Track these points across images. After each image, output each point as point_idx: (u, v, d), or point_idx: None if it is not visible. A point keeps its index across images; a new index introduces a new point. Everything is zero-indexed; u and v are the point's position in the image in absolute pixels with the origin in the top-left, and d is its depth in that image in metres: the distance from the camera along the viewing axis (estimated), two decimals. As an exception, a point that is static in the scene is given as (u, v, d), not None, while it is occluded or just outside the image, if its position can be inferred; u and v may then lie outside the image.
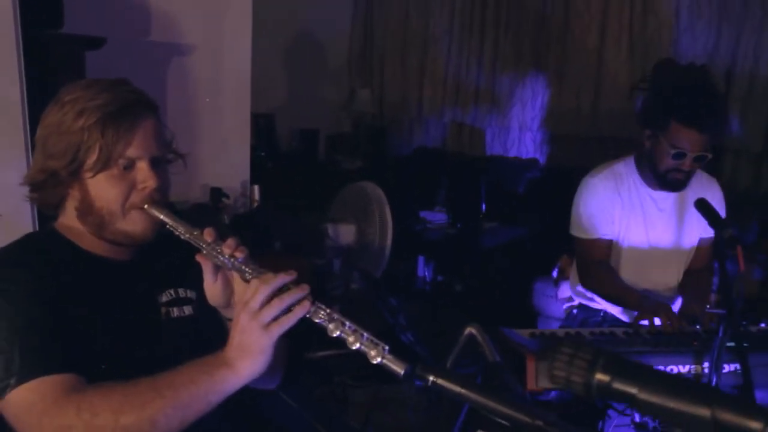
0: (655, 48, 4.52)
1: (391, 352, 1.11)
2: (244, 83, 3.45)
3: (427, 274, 4.47)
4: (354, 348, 1.12)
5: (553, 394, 2.33)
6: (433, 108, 5.74)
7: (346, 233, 3.42)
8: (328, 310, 1.16)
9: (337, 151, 5.70)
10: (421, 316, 3.83)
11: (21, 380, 1.16)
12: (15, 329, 1.20)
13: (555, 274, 3.31)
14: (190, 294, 1.46)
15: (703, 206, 2.04)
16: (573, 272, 2.71)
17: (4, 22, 2.15)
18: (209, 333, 1.41)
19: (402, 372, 1.09)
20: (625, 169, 2.46)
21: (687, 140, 2.25)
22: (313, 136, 5.57)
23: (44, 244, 1.36)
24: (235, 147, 3.48)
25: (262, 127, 4.92)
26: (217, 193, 3.18)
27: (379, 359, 1.10)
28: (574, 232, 2.52)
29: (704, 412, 0.65)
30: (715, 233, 1.93)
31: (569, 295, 2.81)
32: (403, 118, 5.96)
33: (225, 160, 3.41)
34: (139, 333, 1.36)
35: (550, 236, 4.07)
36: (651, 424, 1.99)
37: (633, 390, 0.70)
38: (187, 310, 1.45)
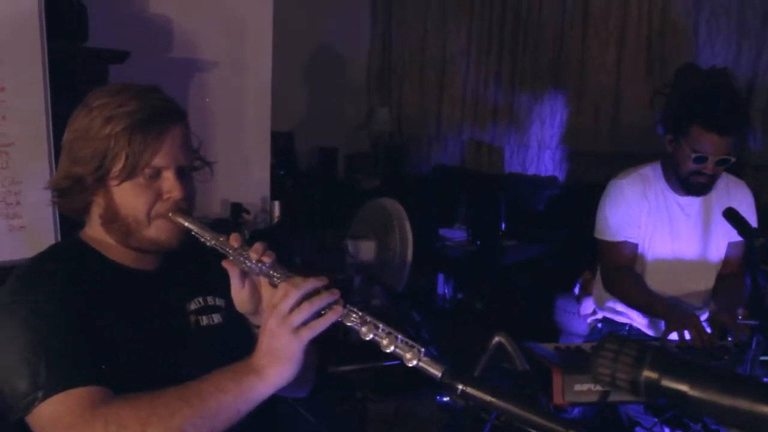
0: (673, 64, 4.48)
1: (427, 354, 1.07)
2: (264, 99, 3.47)
3: (446, 291, 4.43)
4: (389, 351, 1.09)
5: (576, 411, 2.29)
6: (451, 126, 5.73)
7: (366, 249, 3.40)
8: (360, 313, 1.12)
9: (355, 170, 5.69)
10: (442, 334, 3.79)
11: (48, 394, 1.14)
12: (42, 342, 1.18)
13: (577, 290, 3.27)
14: (219, 302, 1.44)
15: (731, 216, 2.01)
16: (596, 286, 2.67)
17: (30, 34, 2.17)
18: (239, 341, 1.38)
19: (440, 375, 1.06)
20: (653, 174, 2.43)
21: (708, 144, 2.22)
22: (332, 154, 5.57)
23: (70, 255, 1.34)
24: (255, 163, 3.48)
25: (281, 145, 4.93)
26: (237, 208, 3.18)
27: (415, 362, 1.07)
28: (599, 235, 2.48)
29: (764, 409, 0.61)
30: (746, 243, 1.89)
31: (592, 310, 2.76)
32: (421, 136, 5.96)
33: (245, 175, 3.41)
34: (167, 342, 1.34)
35: (570, 253, 4.04)
36: (682, 441, 1.93)
37: (684, 387, 0.67)
38: (216, 318, 1.43)
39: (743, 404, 0.64)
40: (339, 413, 2.81)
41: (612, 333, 0.74)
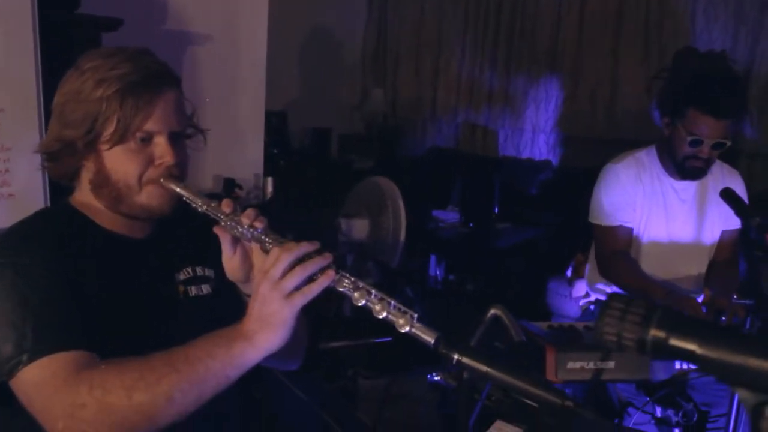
0: (670, 50, 4.46)
1: (420, 320, 1.06)
2: (259, 75, 3.43)
3: (438, 272, 4.43)
4: (381, 317, 1.07)
5: (568, 390, 2.29)
6: (446, 109, 5.70)
7: (359, 228, 3.38)
8: (352, 279, 1.10)
9: (349, 150, 5.67)
10: (434, 315, 3.79)
11: (33, 357, 1.12)
12: (28, 305, 1.16)
13: (569, 273, 3.26)
14: (209, 273, 1.42)
15: (728, 195, 2.00)
16: (590, 268, 2.66)
17: (21, 1, 2.13)
18: (227, 312, 1.34)
19: (432, 341, 1.04)
20: (647, 158, 2.43)
21: (704, 127, 2.22)
22: (326, 135, 5.55)
23: (59, 219, 1.31)
24: (249, 139, 3.45)
25: (274, 124, 4.89)
26: (230, 183, 3.15)
27: (407, 328, 1.05)
28: (594, 219, 2.47)
29: (773, 365, 0.60)
30: (742, 222, 1.88)
31: (584, 292, 2.76)
32: (416, 118, 5.93)
33: (239, 151, 3.38)
34: (155, 310, 1.32)
35: (563, 237, 4.04)
36: (674, 419, 1.94)
37: (692, 346, 0.66)
38: (205, 288, 1.41)
39: (753, 362, 0.62)
40: (330, 390, 2.80)
41: (617, 293, 0.73)
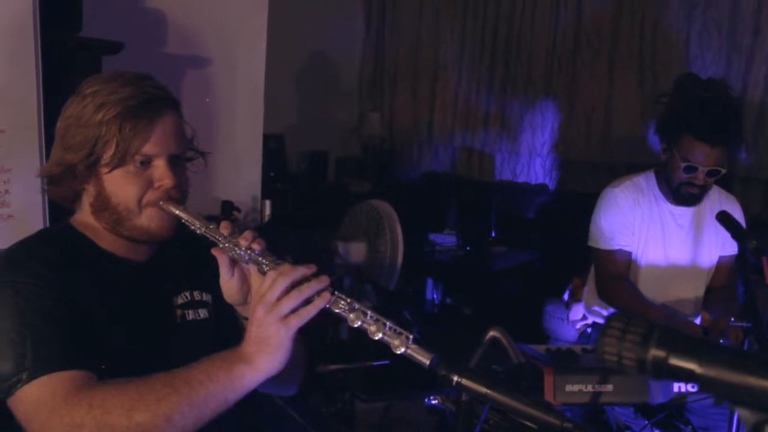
0: (664, 75, 4.52)
1: (415, 341, 1.06)
2: (257, 98, 3.45)
3: (435, 296, 4.42)
4: (376, 338, 1.07)
5: (566, 414, 2.27)
6: (442, 132, 5.72)
7: (356, 251, 3.38)
8: (348, 300, 1.11)
9: (346, 174, 5.68)
10: (430, 338, 3.77)
11: (33, 376, 1.13)
12: (28, 324, 1.16)
13: (566, 296, 3.26)
14: (206, 297, 1.43)
15: (725, 218, 2.01)
16: (588, 291, 2.67)
17: (24, 23, 2.16)
18: (225, 337, 1.37)
19: (428, 362, 1.04)
20: (646, 183, 2.44)
21: (699, 154, 2.23)
22: (323, 158, 5.56)
23: (59, 239, 1.32)
24: (247, 161, 3.46)
25: (271, 148, 4.90)
26: (228, 206, 3.15)
27: (403, 349, 1.05)
28: (594, 243, 2.48)
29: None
30: (739, 245, 1.90)
31: (581, 316, 2.76)
32: (412, 142, 5.95)
33: (237, 174, 3.39)
34: (153, 334, 1.33)
35: (559, 260, 4.04)
36: (673, 440, 1.93)
37: (692, 365, 0.66)
38: (203, 313, 1.42)
39: (752, 381, 0.63)
40: (327, 414, 2.78)
41: (617, 313, 0.73)
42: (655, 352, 0.68)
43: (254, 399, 1.23)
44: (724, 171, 2.27)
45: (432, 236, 4.67)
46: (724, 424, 2.08)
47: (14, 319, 1.17)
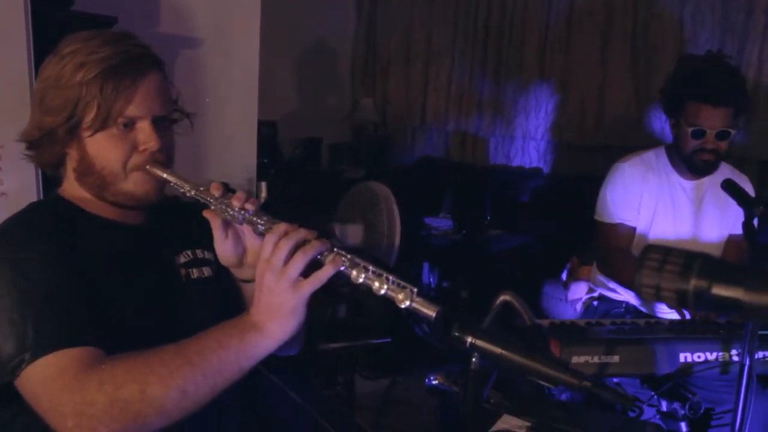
0: (658, 56, 4.52)
1: (419, 294, 1.03)
2: (251, 79, 3.40)
3: (432, 280, 4.40)
4: (381, 293, 1.03)
5: (564, 396, 2.27)
6: (436, 117, 5.71)
7: (353, 233, 3.35)
8: (349, 256, 1.07)
9: (339, 160, 5.66)
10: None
11: (36, 355, 1.08)
12: (28, 301, 1.12)
13: (564, 276, 3.26)
14: (208, 255, 1.38)
15: (730, 186, 2.01)
16: (594, 266, 2.67)
17: (15, -3, 2.11)
18: (231, 293, 1.34)
19: (433, 315, 1.01)
20: (656, 158, 2.46)
21: (704, 117, 2.26)
22: (316, 144, 5.54)
23: (51, 210, 1.28)
24: (242, 143, 3.41)
25: (265, 134, 4.86)
26: (223, 187, 3.10)
27: (407, 302, 1.02)
28: (598, 216, 2.51)
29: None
30: (745, 211, 1.89)
31: (586, 290, 2.76)
32: (405, 127, 5.93)
33: (232, 156, 3.35)
34: (160, 296, 1.29)
35: (555, 242, 4.03)
36: (680, 412, 1.92)
37: (737, 294, 0.63)
38: (207, 271, 1.38)
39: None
40: (327, 395, 2.76)
41: (654, 244, 0.70)
42: (697, 282, 0.66)
43: (251, 379, 1.20)
44: (733, 132, 2.29)
45: (428, 220, 4.65)
46: (730, 397, 2.07)
47: (13, 297, 1.12)
